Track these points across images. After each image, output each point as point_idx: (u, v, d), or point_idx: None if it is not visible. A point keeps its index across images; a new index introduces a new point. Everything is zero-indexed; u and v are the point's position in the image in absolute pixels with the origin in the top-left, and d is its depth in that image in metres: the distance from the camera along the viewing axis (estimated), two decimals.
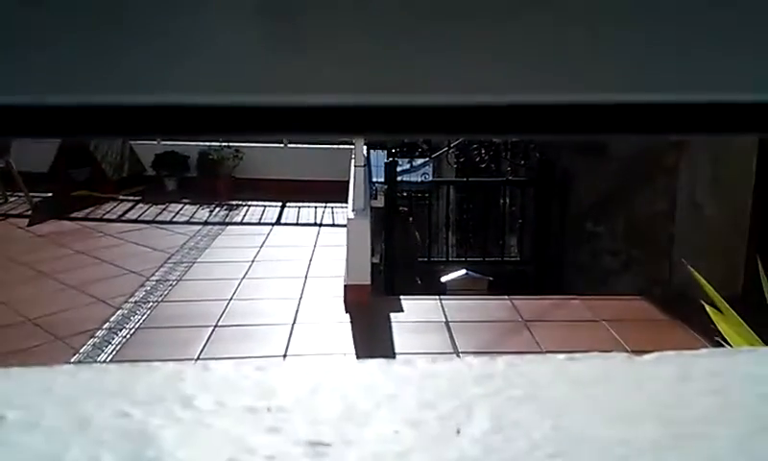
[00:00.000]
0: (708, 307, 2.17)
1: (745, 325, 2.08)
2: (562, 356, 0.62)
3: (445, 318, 4.35)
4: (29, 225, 6.87)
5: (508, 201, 6.92)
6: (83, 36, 0.24)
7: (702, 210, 4.76)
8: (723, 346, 2.07)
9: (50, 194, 7.93)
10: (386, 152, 8.06)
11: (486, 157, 7.56)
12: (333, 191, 7.36)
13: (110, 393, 0.56)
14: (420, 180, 7.90)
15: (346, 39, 0.24)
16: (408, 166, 8.78)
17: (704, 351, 0.62)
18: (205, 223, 7.04)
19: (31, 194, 7.44)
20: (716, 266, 4.35)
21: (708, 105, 0.26)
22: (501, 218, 6.75)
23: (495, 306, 4.66)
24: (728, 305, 2.12)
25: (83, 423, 0.51)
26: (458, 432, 0.50)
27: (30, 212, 7.26)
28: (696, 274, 2.25)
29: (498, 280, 5.82)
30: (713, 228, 4.70)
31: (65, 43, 0.24)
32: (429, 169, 8.67)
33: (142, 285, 5.04)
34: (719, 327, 2.14)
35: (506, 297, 4.80)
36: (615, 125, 0.26)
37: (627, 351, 0.61)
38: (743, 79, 0.26)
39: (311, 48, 0.24)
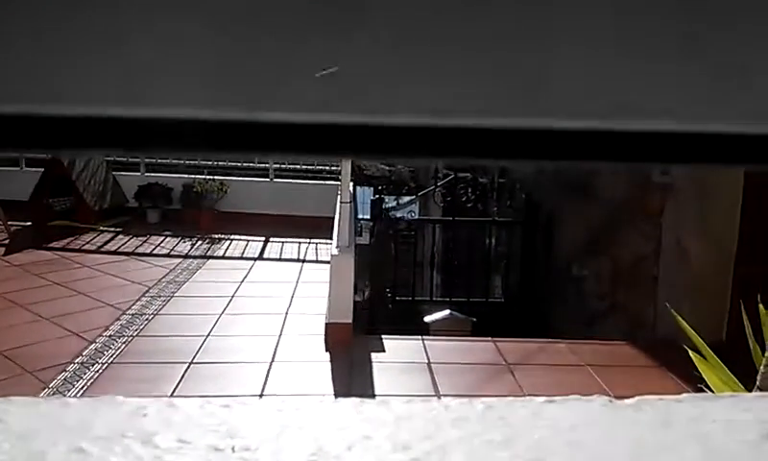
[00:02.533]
0: (691, 353, 2.17)
1: (728, 371, 2.07)
2: (541, 399, 0.60)
3: (428, 359, 4.31)
4: (5, 254, 6.78)
5: (494, 241, 6.95)
6: (46, 44, 0.23)
7: (687, 254, 4.80)
8: (705, 392, 2.05)
9: (29, 223, 7.84)
10: (372, 189, 8.09)
11: (472, 197, 7.62)
12: (318, 227, 7.36)
13: (69, 428, 0.53)
14: (406, 217, 7.91)
15: (337, 59, 0.23)
16: (395, 204, 8.81)
17: (685, 395, 0.60)
18: (186, 256, 6.98)
19: (9, 223, 7.36)
20: (702, 311, 4.37)
21: (692, 134, 0.25)
22: (486, 258, 6.77)
23: (479, 348, 4.63)
24: (711, 352, 2.12)
25: (36, 458, 0.49)
26: None
27: (7, 241, 7.16)
28: (680, 319, 2.25)
29: (483, 321, 5.81)
30: (699, 272, 4.73)
31: (30, 51, 0.23)
32: (416, 207, 8.72)
33: (118, 319, 4.96)
34: (702, 373, 2.13)
35: (490, 339, 4.77)
36: (601, 153, 0.26)
37: (610, 397, 0.60)
38: (729, 110, 0.25)
39: (297, 64, 0.24)
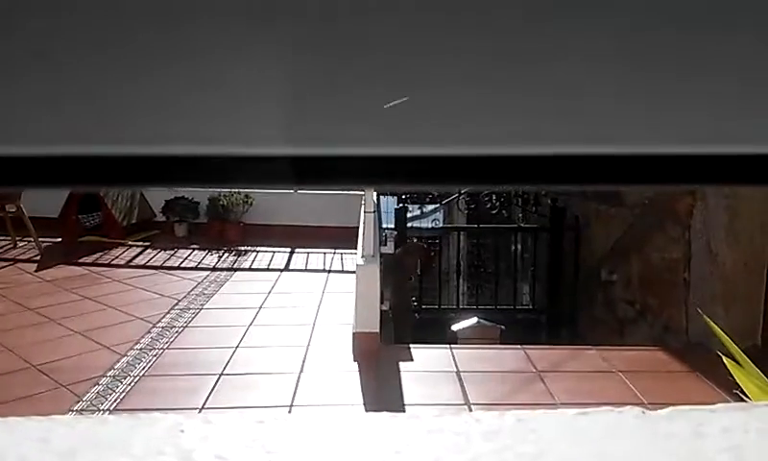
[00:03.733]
0: (725, 359, 2.13)
1: (765, 377, 2.03)
2: (572, 411, 0.60)
3: (456, 368, 4.29)
4: (37, 270, 6.89)
5: (520, 247, 6.90)
6: (91, 88, 0.24)
7: (717, 258, 4.72)
8: (742, 399, 2.02)
9: (59, 239, 7.99)
10: (396, 198, 8.10)
11: (497, 204, 7.59)
12: (343, 237, 7.38)
13: (108, 445, 0.55)
14: (430, 226, 7.91)
15: (359, 91, 0.24)
16: (419, 212, 8.82)
17: (719, 405, 0.60)
18: (214, 269, 7.05)
19: (40, 239, 7.50)
20: (735, 315, 4.30)
21: (718, 156, 0.26)
22: (513, 265, 6.73)
23: (508, 356, 4.60)
24: (746, 357, 2.08)
25: None
26: None
27: (38, 257, 7.30)
28: (712, 324, 2.21)
29: (511, 329, 5.76)
30: (730, 276, 4.65)
31: (75, 95, 0.24)
32: (440, 215, 8.71)
33: (148, 332, 5.02)
34: (737, 380, 2.09)
35: (519, 346, 4.73)
36: (625, 175, 0.26)
37: (643, 404, 0.60)
38: (751, 131, 0.26)
39: (322, 101, 0.25)
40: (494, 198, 7.55)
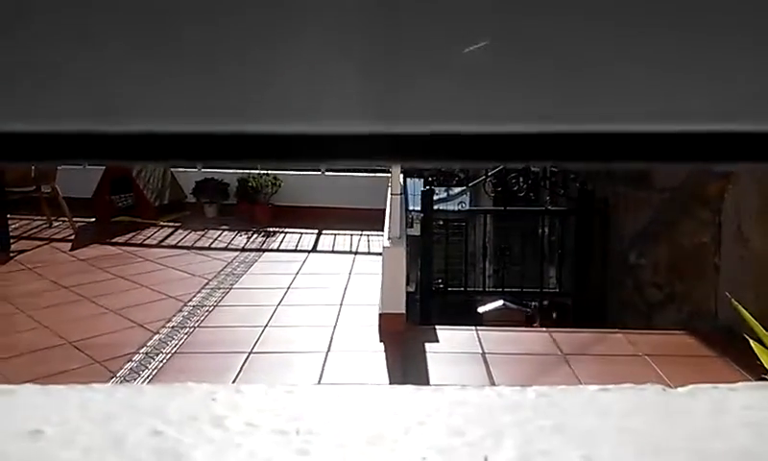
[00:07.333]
0: (752, 343, 2.11)
1: None
2: (593, 387, 0.61)
3: (482, 350, 4.30)
4: (71, 249, 7.03)
5: (547, 231, 6.84)
6: (126, 66, 0.25)
7: (749, 243, 4.63)
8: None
9: (93, 219, 8.14)
10: (423, 180, 8.08)
11: (524, 187, 7.52)
12: (369, 219, 7.39)
13: (145, 412, 0.57)
14: (456, 208, 7.86)
15: (382, 69, 0.25)
16: (445, 195, 8.77)
17: (739, 384, 0.60)
18: (243, 249, 7.12)
19: (74, 219, 7.65)
20: (765, 300, 4.21)
21: (746, 134, 0.25)
22: (540, 248, 6.67)
23: (534, 339, 4.58)
24: None
25: (117, 440, 0.53)
26: (485, 460, 0.50)
27: (73, 237, 7.45)
28: (741, 308, 2.19)
29: (537, 311, 5.74)
30: (761, 261, 4.56)
31: (111, 73, 0.25)
32: (466, 198, 8.65)
33: (180, 310, 5.10)
34: (765, 364, 2.07)
35: (545, 329, 4.72)
36: (651, 154, 0.26)
37: (663, 386, 0.60)
38: None
39: (344, 77, 0.25)
40: (521, 180, 7.48)
